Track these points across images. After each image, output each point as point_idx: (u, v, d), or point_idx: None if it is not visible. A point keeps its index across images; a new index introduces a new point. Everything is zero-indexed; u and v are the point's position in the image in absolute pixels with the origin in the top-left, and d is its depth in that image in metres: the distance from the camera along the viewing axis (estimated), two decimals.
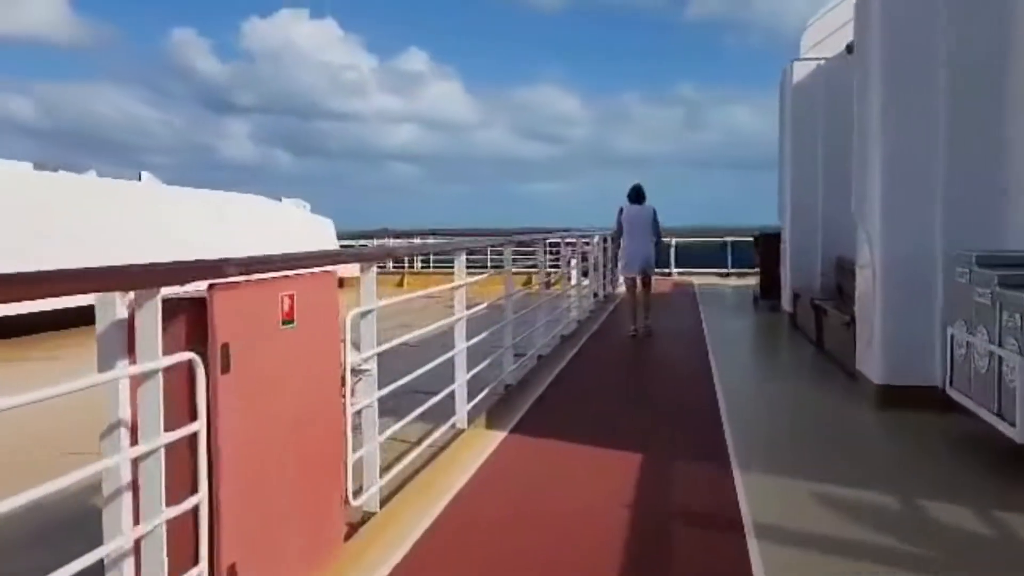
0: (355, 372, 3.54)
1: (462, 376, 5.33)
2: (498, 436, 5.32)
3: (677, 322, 11.82)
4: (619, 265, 11.29)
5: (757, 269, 14.61)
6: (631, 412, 6.29)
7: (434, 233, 28.69)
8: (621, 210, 10.35)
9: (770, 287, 12.99)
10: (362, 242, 25.54)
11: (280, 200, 20.24)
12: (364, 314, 3.63)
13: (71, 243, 11.93)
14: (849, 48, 10.46)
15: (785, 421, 6.17)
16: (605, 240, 16.20)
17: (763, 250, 13.37)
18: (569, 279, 13.18)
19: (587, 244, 15.37)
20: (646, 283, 10.40)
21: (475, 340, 5.58)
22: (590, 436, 5.34)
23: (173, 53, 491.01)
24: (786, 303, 11.70)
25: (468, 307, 5.39)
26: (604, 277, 16.02)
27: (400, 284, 20.98)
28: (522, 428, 5.63)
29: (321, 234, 20.42)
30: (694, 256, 23.69)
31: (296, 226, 19.19)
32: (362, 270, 3.70)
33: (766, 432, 5.73)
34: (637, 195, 10.38)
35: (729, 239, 23.65)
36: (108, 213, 13.03)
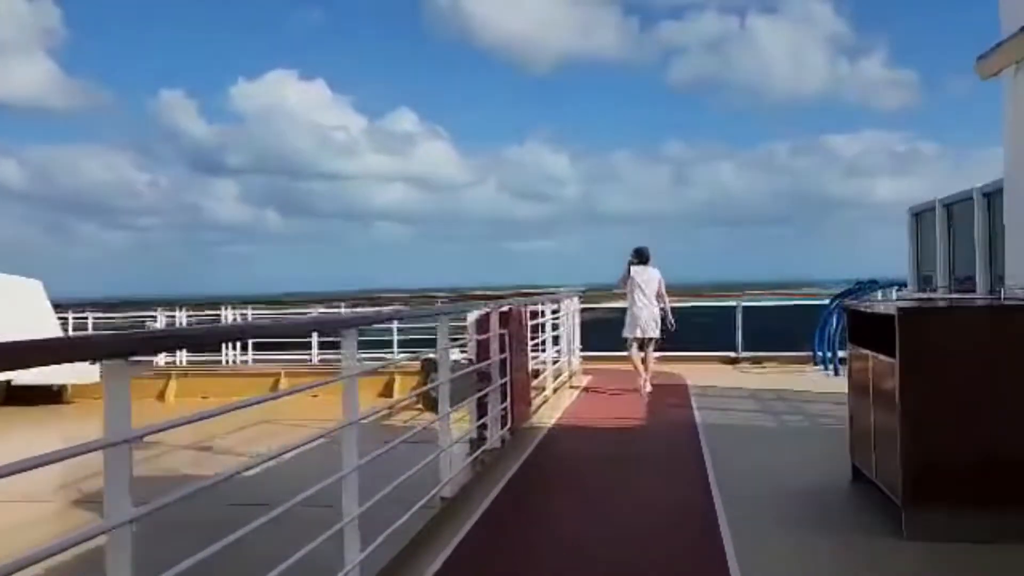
0: None
1: None
2: None
3: None
4: (625, 327, 10.31)
5: (847, 384, 6.59)
6: None
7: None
8: (629, 269, 10.26)
9: (943, 471, 4.22)
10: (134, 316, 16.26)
11: None
12: None
13: None
14: None
15: None
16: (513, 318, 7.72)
17: (923, 357, 4.49)
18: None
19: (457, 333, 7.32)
20: (649, 343, 10.37)
21: None
22: None
23: (161, 115, 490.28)
24: None
25: None
26: (504, 398, 7.21)
27: (162, 397, 12.15)
28: None
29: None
30: (687, 325, 14.56)
31: None
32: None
33: None
34: (640, 257, 10.35)
35: (741, 303, 14.77)
36: None
